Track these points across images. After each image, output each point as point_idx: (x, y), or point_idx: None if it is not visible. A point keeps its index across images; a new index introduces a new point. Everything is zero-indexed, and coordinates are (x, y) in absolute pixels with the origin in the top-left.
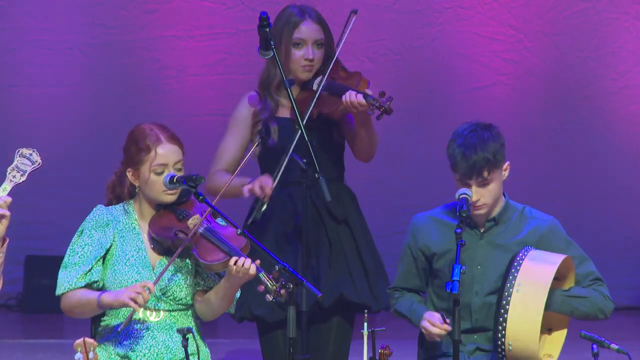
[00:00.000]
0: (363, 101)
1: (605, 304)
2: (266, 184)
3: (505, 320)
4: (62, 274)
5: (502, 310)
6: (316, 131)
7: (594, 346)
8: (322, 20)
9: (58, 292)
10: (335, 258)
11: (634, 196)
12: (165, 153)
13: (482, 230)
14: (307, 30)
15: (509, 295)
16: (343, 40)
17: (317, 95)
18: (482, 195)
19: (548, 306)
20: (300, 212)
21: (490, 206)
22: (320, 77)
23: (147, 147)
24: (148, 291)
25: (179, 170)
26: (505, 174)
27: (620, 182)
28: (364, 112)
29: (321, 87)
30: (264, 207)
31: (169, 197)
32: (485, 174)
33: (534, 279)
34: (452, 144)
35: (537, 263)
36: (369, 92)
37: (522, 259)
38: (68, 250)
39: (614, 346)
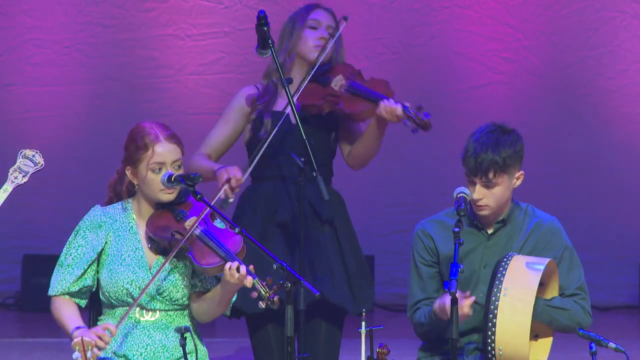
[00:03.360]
0: (401, 113)
1: (584, 318)
2: (234, 175)
3: (494, 325)
4: (56, 273)
5: (491, 315)
6: (313, 129)
7: (592, 345)
8: (333, 12)
9: (50, 292)
10: (316, 257)
11: (631, 195)
12: (163, 151)
13: (489, 232)
14: (321, 14)
15: (497, 299)
16: (330, 46)
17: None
18: (485, 196)
19: None
20: (284, 209)
21: (494, 209)
22: (340, 76)
23: (145, 145)
24: (109, 334)
25: (178, 169)
26: (518, 182)
27: (618, 181)
28: (393, 122)
29: (344, 88)
30: (230, 200)
31: (167, 196)
32: (491, 175)
33: (520, 283)
34: (470, 138)
35: (522, 267)
36: (407, 104)
37: (507, 263)
38: (64, 249)
39: (611, 345)
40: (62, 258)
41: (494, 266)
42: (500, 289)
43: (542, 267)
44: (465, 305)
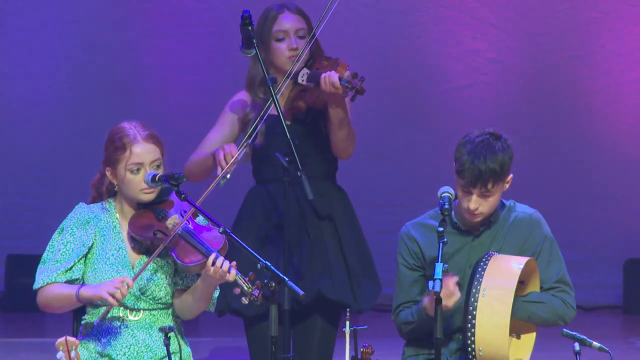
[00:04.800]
0: (337, 82)
1: (566, 311)
2: (229, 151)
3: (473, 326)
4: (40, 269)
5: (470, 316)
6: (307, 126)
7: (576, 344)
8: (301, 11)
9: (36, 286)
10: (315, 255)
11: (615, 195)
12: (141, 152)
13: (475, 234)
14: (287, 21)
15: (475, 300)
16: (323, 23)
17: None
18: (481, 205)
19: None
20: (282, 210)
21: (487, 216)
22: (304, 69)
23: (123, 146)
24: (127, 286)
25: (157, 168)
26: (507, 186)
27: (602, 181)
28: (339, 95)
29: (305, 79)
30: (228, 175)
31: (147, 196)
32: (490, 185)
33: (499, 283)
34: (462, 149)
35: (500, 267)
36: (346, 73)
37: (486, 264)
38: (47, 247)
39: (595, 344)
40: (45, 256)
41: (473, 266)
42: (479, 289)
43: (520, 267)
44: (451, 283)
